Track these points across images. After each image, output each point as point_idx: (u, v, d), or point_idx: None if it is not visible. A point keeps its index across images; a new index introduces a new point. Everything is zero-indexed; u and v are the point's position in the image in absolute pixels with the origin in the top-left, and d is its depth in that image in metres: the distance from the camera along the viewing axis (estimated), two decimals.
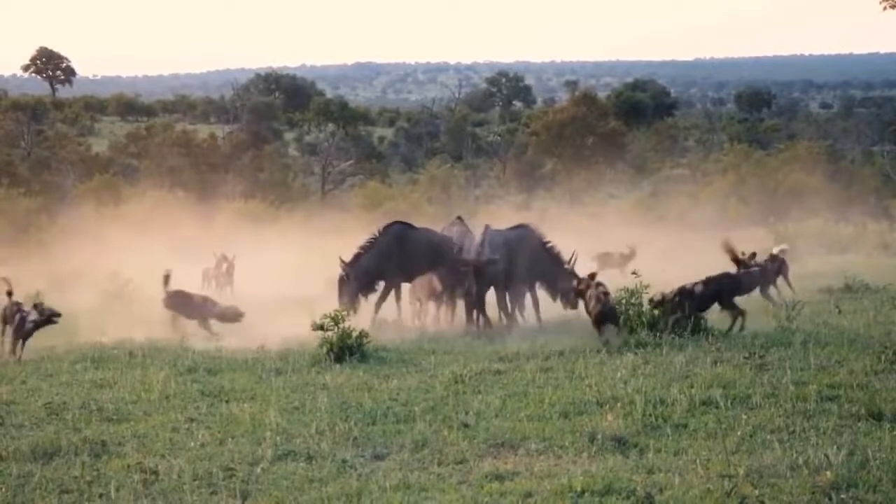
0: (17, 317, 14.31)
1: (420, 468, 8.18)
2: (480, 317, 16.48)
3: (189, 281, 22.76)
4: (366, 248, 17.27)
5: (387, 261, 17.20)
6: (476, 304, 16.34)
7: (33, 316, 14.38)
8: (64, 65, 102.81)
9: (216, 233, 34.68)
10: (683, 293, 14.12)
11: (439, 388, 10.86)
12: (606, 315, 13.83)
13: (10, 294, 14.84)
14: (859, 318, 15.01)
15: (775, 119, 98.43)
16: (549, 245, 17.24)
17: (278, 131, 79.32)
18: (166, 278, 17.02)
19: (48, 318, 14.52)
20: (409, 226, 18.19)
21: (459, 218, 18.99)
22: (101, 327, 16.73)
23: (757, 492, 7.06)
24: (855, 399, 9.67)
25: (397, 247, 17.31)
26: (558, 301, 17.05)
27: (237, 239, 31.51)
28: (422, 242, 17.47)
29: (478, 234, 17.14)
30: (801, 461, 7.80)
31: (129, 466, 8.21)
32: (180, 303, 16.91)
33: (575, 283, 15.12)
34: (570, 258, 16.88)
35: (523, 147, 67.55)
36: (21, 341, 14.25)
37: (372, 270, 17.22)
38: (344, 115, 78.22)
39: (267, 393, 10.96)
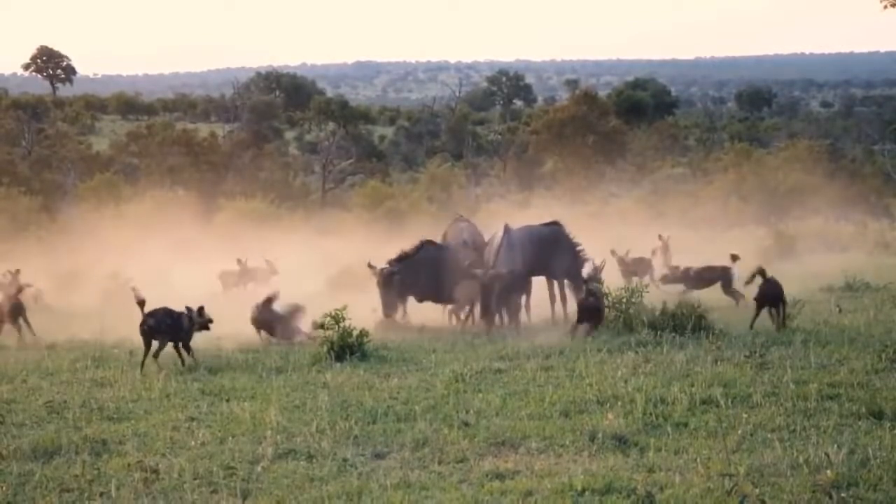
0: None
1: (421, 467, 8.18)
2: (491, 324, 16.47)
3: (191, 281, 22.79)
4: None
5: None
6: (485, 315, 16.29)
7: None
8: (64, 64, 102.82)
9: (216, 232, 34.70)
10: None
11: (440, 387, 10.86)
12: None
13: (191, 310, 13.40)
14: (860, 317, 15.03)
15: (776, 118, 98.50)
16: (580, 249, 17.21)
17: (279, 130, 79.34)
18: (268, 301, 15.25)
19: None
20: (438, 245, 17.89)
21: (461, 216, 18.99)
22: (101, 326, 16.71)
23: (757, 490, 7.05)
24: (855, 398, 9.67)
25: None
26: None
27: (237, 238, 31.54)
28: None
29: (497, 234, 17.11)
30: (801, 460, 7.80)
31: (129, 465, 8.20)
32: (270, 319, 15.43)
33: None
34: (600, 265, 16.77)
35: (524, 146, 67.50)
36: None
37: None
38: (344, 114, 78.23)
39: (267, 392, 10.96)
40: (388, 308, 16.84)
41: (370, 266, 17.10)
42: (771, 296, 14.42)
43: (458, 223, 18.47)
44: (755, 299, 14.63)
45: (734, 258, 18.66)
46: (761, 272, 14.74)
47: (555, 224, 17.71)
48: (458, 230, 18.12)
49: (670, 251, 24.10)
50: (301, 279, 23.56)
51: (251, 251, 25.12)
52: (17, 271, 21.71)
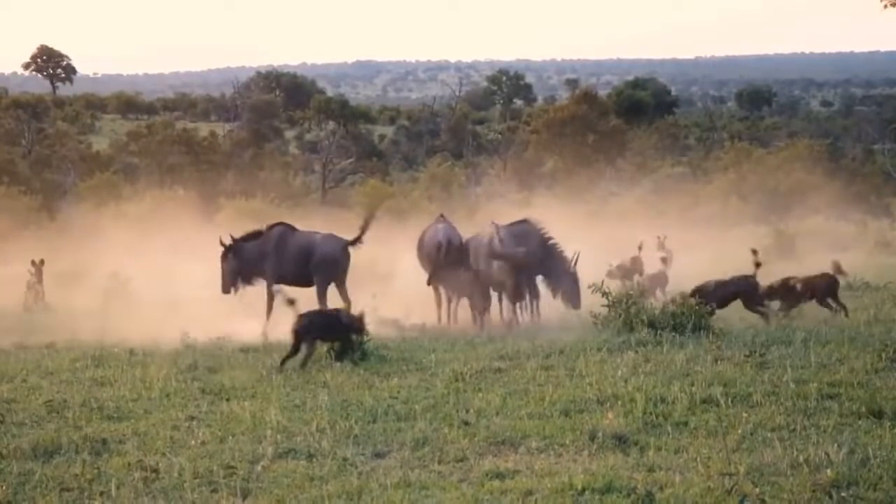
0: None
1: (421, 466, 8.18)
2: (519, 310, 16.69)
3: (192, 280, 22.77)
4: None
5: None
6: (518, 297, 16.43)
7: None
8: (64, 63, 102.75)
9: (216, 231, 34.62)
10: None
11: (440, 387, 10.85)
12: None
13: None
14: (860, 316, 15.03)
15: (776, 117, 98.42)
16: (552, 242, 17.28)
17: (279, 129, 79.36)
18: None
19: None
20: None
21: (442, 216, 18.86)
22: (101, 325, 16.72)
23: (757, 490, 7.05)
24: (855, 397, 9.67)
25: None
26: (559, 299, 17.20)
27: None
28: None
29: (485, 230, 17.33)
30: (801, 459, 7.79)
31: (129, 464, 8.20)
32: None
33: None
34: (573, 258, 16.95)
35: (524, 145, 67.49)
36: None
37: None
38: (344, 114, 78.14)
39: (267, 391, 10.95)
40: (223, 286, 17.26)
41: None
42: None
43: (436, 224, 18.33)
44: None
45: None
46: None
47: (524, 222, 17.73)
48: (434, 231, 18.03)
49: (669, 252, 24.08)
50: None
51: None
52: (42, 262, 21.85)
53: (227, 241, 17.31)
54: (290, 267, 17.14)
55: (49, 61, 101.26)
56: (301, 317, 12.56)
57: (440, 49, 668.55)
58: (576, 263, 16.98)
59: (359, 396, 10.51)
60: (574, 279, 16.89)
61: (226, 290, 17.41)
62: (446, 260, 17.17)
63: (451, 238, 17.55)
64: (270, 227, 17.69)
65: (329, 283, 17.04)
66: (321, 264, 17.01)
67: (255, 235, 17.48)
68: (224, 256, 17.31)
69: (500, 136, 72.69)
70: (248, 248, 17.26)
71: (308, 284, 17.09)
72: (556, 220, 19.75)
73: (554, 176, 60.51)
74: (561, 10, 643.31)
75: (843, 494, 7.05)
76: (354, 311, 13.52)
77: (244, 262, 17.20)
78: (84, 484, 7.78)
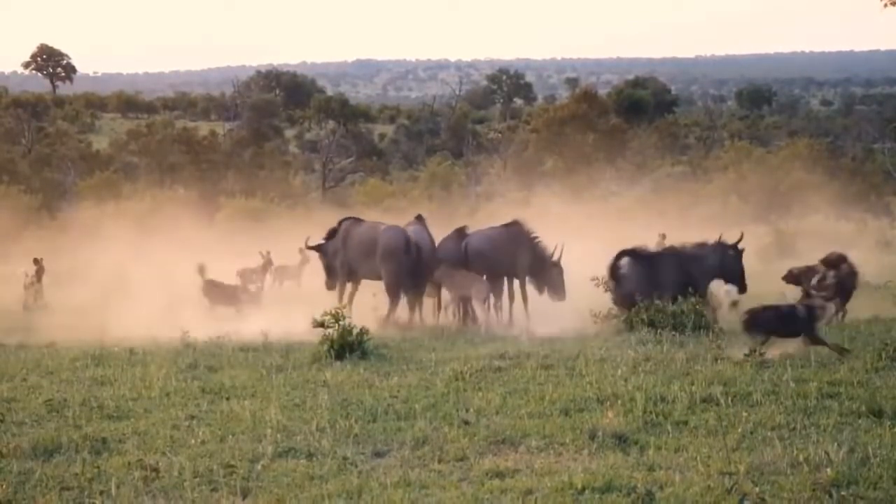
0: None
1: (420, 465, 8.18)
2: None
3: (191, 279, 22.75)
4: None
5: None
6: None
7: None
8: (64, 62, 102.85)
9: (217, 230, 34.69)
10: None
11: (440, 386, 10.86)
12: None
13: None
14: (860, 316, 15.03)
15: (776, 116, 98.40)
16: (538, 241, 17.32)
17: (279, 128, 79.30)
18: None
19: None
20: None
21: (418, 217, 18.60)
22: (101, 324, 16.71)
23: (757, 489, 7.05)
24: (855, 396, 9.67)
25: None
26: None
27: (237, 237, 31.54)
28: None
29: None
30: (801, 458, 7.80)
31: (129, 463, 8.20)
32: None
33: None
34: (556, 250, 16.99)
35: (524, 144, 67.42)
36: None
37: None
38: (344, 113, 78.14)
39: (267, 390, 10.95)
40: (326, 283, 18.08)
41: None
42: None
43: (409, 225, 18.16)
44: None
45: None
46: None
47: (514, 224, 17.72)
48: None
49: None
50: (301, 277, 23.58)
51: (251, 248, 25.08)
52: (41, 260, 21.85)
53: (311, 243, 18.17)
54: (358, 260, 17.36)
55: (49, 60, 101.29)
56: (757, 310, 12.56)
57: (440, 48, 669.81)
58: (560, 255, 16.97)
59: (359, 396, 10.51)
60: (559, 271, 16.98)
61: (329, 287, 18.00)
62: (410, 261, 17.09)
63: (415, 241, 17.44)
64: (340, 223, 18.11)
65: (397, 275, 17.02)
66: (385, 257, 17.11)
67: (332, 234, 17.96)
68: (321, 257, 18.11)
69: (500, 135, 72.57)
70: (329, 246, 17.82)
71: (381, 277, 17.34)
72: (555, 219, 19.77)
73: (554, 175, 60.43)
74: (561, 9, 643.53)
75: (842, 493, 7.05)
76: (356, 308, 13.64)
77: (330, 260, 17.83)
78: (84, 483, 7.78)
